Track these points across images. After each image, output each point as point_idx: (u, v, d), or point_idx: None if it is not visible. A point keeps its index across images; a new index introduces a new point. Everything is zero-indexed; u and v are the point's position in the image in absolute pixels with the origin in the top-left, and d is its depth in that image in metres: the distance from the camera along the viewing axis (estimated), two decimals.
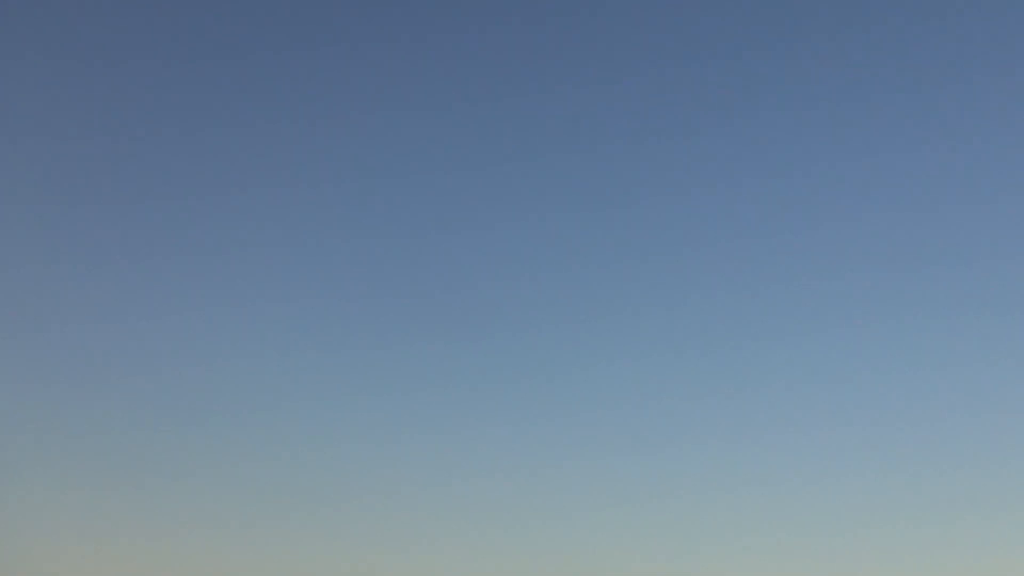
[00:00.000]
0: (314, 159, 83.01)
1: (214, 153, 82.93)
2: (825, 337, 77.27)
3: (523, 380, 76.26)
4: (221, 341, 76.36)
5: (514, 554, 65.59)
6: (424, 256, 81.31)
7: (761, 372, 76.87)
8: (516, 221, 78.92)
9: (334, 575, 62.84)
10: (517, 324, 79.32)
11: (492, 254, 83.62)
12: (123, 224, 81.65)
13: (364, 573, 63.93)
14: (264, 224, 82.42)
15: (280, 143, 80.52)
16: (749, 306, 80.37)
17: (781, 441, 72.94)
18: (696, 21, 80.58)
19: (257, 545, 63.47)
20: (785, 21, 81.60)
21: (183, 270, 78.79)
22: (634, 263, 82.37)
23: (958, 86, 79.41)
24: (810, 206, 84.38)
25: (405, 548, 65.77)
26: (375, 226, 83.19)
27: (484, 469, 71.60)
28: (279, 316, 78.55)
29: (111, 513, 63.24)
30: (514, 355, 77.73)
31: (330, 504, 67.25)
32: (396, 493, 68.67)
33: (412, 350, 78.03)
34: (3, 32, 76.13)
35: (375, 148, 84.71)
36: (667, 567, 64.85)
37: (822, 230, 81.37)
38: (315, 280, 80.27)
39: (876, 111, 79.34)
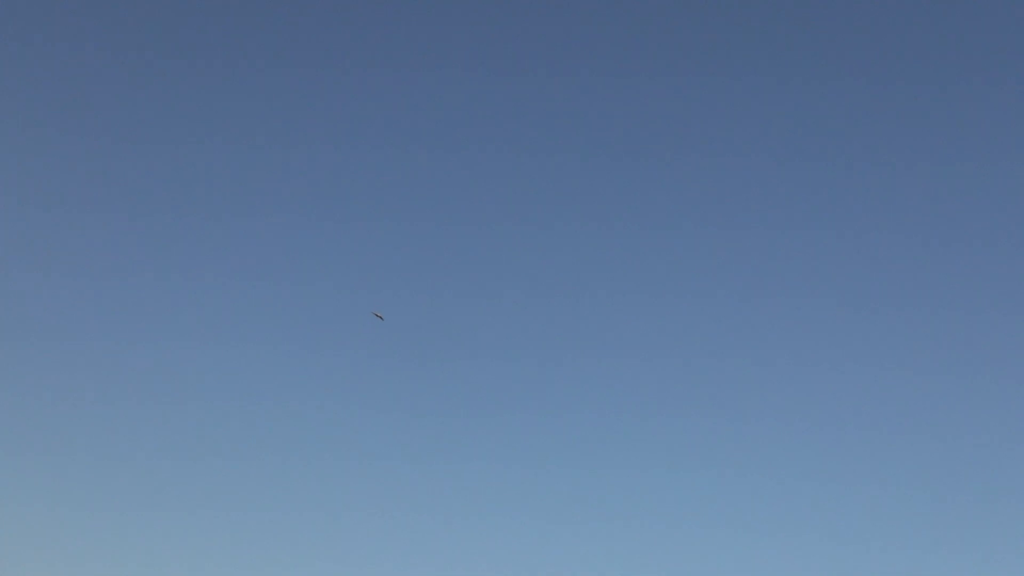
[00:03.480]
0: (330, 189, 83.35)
1: (230, 179, 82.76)
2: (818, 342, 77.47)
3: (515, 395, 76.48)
4: (222, 345, 76.18)
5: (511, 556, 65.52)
6: (420, 261, 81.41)
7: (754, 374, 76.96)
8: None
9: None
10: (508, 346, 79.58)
11: (486, 258, 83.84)
12: (135, 235, 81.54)
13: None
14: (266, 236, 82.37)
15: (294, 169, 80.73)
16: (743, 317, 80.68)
17: (777, 441, 73.12)
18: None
19: (256, 546, 63.38)
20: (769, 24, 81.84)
21: (189, 283, 78.71)
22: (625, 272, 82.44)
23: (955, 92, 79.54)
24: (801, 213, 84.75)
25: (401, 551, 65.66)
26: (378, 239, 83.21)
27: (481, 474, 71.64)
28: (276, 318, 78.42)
29: (110, 514, 63.17)
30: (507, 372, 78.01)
31: (327, 509, 67.14)
32: (392, 498, 68.56)
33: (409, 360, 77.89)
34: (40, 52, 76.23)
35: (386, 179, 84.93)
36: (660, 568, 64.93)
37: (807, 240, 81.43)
38: (317, 286, 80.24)
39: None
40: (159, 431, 70.78)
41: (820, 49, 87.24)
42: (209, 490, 67.92)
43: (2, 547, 60.39)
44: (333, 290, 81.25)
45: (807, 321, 79.64)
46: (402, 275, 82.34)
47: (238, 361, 76.13)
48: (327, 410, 74.38)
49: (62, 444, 67.66)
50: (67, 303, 76.15)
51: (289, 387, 75.28)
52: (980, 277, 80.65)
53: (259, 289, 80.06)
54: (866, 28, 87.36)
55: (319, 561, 64.55)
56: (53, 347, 73.65)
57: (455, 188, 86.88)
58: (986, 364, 76.51)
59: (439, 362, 77.59)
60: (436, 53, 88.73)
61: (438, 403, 75.97)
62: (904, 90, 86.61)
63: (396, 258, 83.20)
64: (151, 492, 67.11)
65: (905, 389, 75.71)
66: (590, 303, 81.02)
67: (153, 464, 68.36)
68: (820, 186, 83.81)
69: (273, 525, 66.52)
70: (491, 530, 68.49)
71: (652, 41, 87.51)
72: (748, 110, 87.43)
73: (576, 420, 74.34)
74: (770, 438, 73.32)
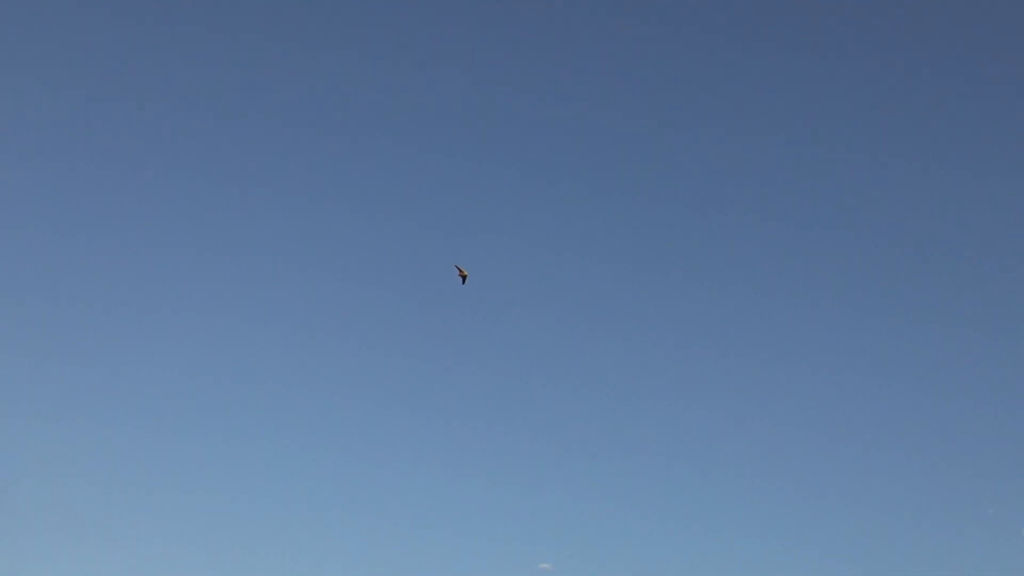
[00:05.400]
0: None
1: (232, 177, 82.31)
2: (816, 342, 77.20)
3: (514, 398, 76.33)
4: (224, 345, 76.13)
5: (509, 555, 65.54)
6: (422, 260, 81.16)
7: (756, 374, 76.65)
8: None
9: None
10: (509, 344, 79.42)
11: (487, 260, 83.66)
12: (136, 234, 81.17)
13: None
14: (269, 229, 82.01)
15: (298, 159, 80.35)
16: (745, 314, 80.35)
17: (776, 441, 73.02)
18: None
19: (257, 546, 63.43)
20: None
21: (191, 285, 78.38)
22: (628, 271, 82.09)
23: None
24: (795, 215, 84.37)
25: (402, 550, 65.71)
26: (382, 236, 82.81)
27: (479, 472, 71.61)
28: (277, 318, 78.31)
29: (111, 513, 63.16)
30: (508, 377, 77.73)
31: (327, 509, 67.14)
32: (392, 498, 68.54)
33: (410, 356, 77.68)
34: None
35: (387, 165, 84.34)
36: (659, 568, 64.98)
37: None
38: (320, 289, 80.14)
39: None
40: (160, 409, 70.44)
41: (849, 39, 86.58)
42: (207, 489, 67.95)
43: (2, 548, 60.47)
44: (337, 284, 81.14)
45: (817, 320, 79.48)
46: (404, 271, 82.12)
47: (237, 351, 76.13)
48: (328, 402, 74.40)
49: (58, 446, 67.41)
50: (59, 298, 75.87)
51: (290, 378, 75.26)
52: (987, 277, 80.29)
53: (262, 277, 79.86)
54: (893, 19, 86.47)
55: (320, 557, 64.65)
56: (46, 340, 73.36)
57: (466, 186, 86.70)
58: (989, 363, 76.29)
59: (438, 361, 77.53)
60: (458, 49, 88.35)
61: (440, 401, 76.01)
62: (920, 89, 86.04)
63: (401, 255, 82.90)
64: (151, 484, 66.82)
65: (908, 390, 75.57)
66: (594, 302, 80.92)
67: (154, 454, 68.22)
68: (838, 183, 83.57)
69: (274, 522, 66.57)
70: (491, 527, 68.56)
71: (673, 39, 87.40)
72: (766, 108, 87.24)
73: (578, 416, 74.41)
74: (775, 438, 73.25)
